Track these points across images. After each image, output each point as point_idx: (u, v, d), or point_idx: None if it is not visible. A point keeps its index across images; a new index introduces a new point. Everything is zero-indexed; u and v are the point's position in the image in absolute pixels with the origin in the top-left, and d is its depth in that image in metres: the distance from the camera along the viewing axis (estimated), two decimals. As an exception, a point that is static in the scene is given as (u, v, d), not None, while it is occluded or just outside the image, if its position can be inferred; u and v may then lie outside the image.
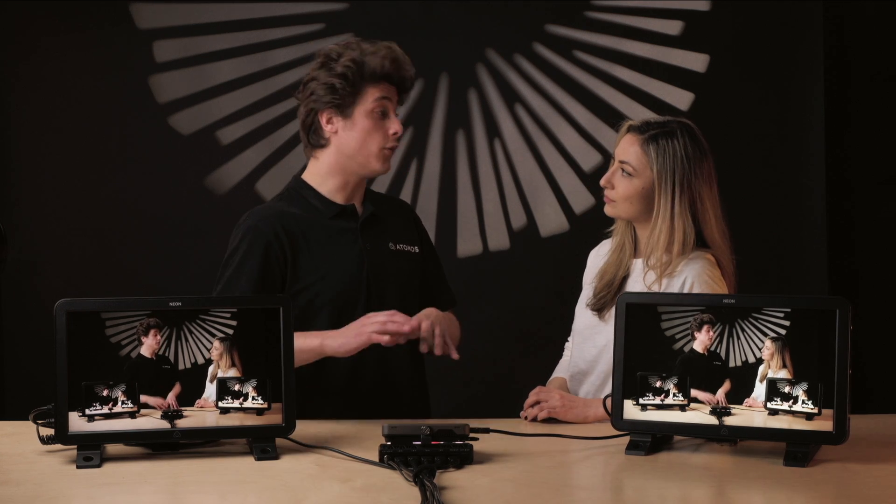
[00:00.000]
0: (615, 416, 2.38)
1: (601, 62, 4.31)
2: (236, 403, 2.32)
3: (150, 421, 2.28)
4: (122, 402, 2.27)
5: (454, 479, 2.11)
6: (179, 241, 4.24)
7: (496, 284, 4.32)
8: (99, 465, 2.21)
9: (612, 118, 4.23)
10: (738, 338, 2.31)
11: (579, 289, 2.95)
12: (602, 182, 2.76)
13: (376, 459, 2.22)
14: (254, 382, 2.32)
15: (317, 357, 2.68)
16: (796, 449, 2.23)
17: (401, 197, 4.25)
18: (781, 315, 2.28)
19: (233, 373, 2.32)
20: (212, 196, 4.26)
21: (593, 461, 2.31)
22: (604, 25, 4.30)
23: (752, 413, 2.29)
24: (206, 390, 2.31)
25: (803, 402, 2.25)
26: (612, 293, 2.76)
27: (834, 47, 4.24)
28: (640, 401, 2.36)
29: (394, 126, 2.80)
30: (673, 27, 4.30)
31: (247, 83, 4.28)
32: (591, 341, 2.82)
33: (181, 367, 2.30)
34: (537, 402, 2.72)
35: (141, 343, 2.28)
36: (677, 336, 2.35)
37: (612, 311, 2.58)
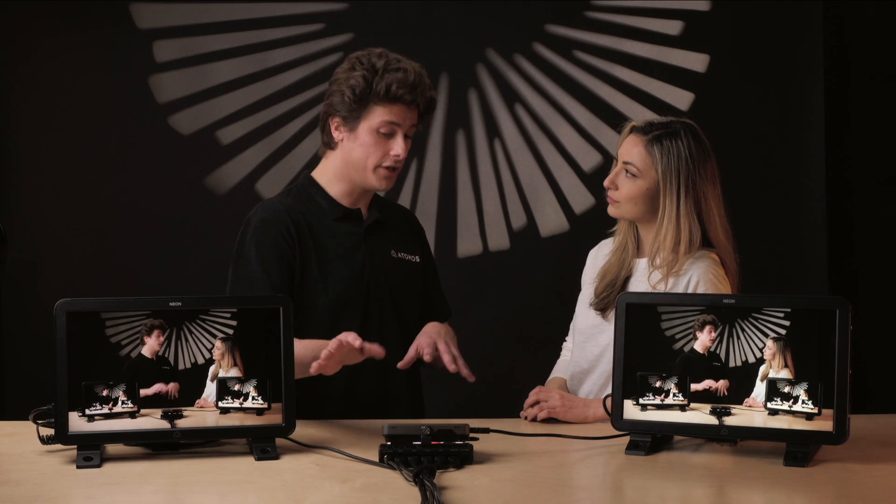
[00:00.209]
0: (615, 416, 2.38)
1: (601, 62, 4.31)
2: (236, 403, 2.32)
3: (150, 421, 2.28)
4: (122, 402, 2.27)
5: (454, 479, 2.11)
6: (179, 241, 4.24)
7: (496, 284, 4.32)
8: (99, 465, 2.21)
9: (612, 118, 4.24)
10: (738, 338, 2.31)
11: (579, 288, 2.95)
12: (606, 183, 2.76)
13: (376, 459, 2.22)
14: (254, 382, 2.32)
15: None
16: (796, 449, 2.23)
17: (401, 197, 4.26)
18: (781, 315, 2.28)
19: (234, 373, 2.32)
20: (212, 196, 4.26)
21: (593, 461, 2.31)
22: (604, 25, 4.30)
23: (752, 413, 2.29)
24: (206, 390, 2.31)
25: (803, 401, 2.25)
26: (615, 293, 2.76)
27: (834, 47, 4.24)
28: (640, 401, 2.36)
29: (396, 148, 2.76)
30: (673, 27, 4.30)
31: (247, 83, 4.28)
32: (593, 340, 2.82)
33: (181, 367, 2.30)
34: (537, 402, 2.72)
35: (143, 343, 2.28)
36: (677, 336, 2.35)
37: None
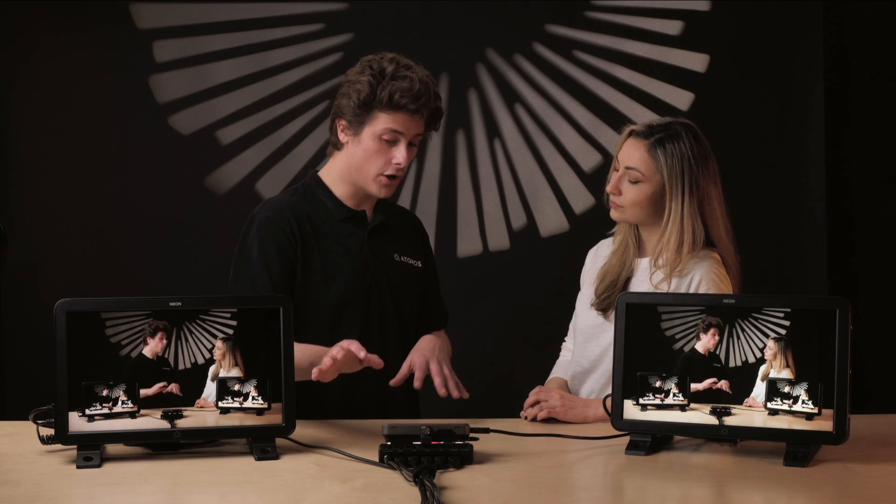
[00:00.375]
0: (615, 416, 2.38)
1: (601, 62, 4.31)
2: (236, 403, 2.32)
3: (150, 421, 2.28)
4: (123, 402, 2.27)
5: (454, 479, 2.11)
6: (179, 241, 4.24)
7: (496, 284, 4.32)
8: (99, 465, 2.21)
9: (612, 118, 4.24)
10: (738, 338, 2.31)
11: (578, 288, 2.95)
12: (609, 189, 2.75)
13: (376, 459, 2.22)
14: (254, 382, 2.32)
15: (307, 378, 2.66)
16: (796, 449, 2.23)
17: (401, 197, 4.26)
18: (781, 315, 2.28)
19: (235, 372, 2.32)
20: (212, 196, 4.26)
21: (593, 461, 2.31)
22: (604, 25, 4.30)
23: (752, 413, 2.29)
24: (206, 390, 2.31)
25: (803, 401, 2.25)
26: (616, 293, 2.75)
27: (834, 47, 4.24)
28: (640, 401, 2.36)
29: (398, 156, 2.75)
30: (673, 27, 4.30)
31: (247, 83, 4.28)
32: (595, 340, 2.82)
33: (181, 367, 2.30)
34: (537, 402, 2.72)
35: (146, 343, 2.28)
36: (677, 336, 2.35)
37: (617, 310, 2.59)
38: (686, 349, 2.35)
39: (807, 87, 4.26)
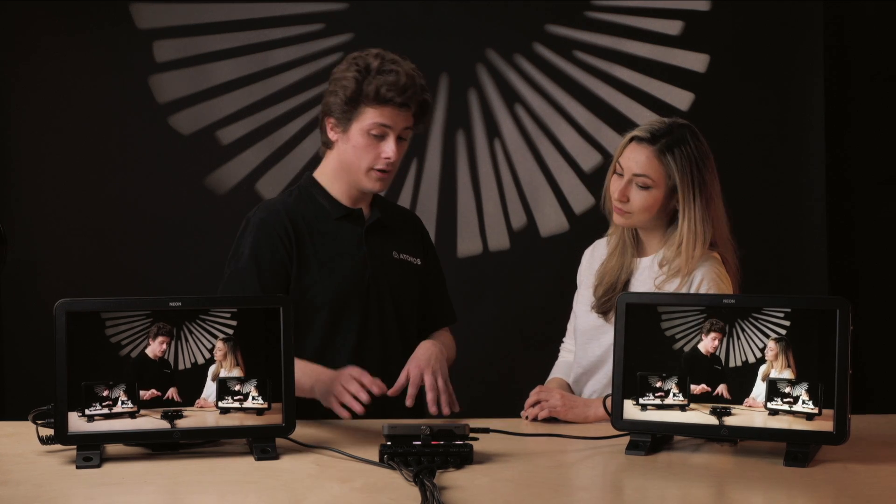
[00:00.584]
0: (615, 416, 2.38)
1: (601, 62, 4.31)
2: (236, 403, 2.32)
3: (150, 421, 2.28)
4: (122, 402, 2.27)
5: (454, 479, 2.11)
6: (179, 241, 4.24)
7: (496, 284, 4.32)
8: (99, 466, 2.21)
9: (612, 118, 4.25)
10: (739, 338, 2.31)
11: (576, 287, 2.95)
12: (618, 196, 2.74)
13: (376, 459, 2.22)
14: (254, 382, 2.32)
15: (308, 396, 2.67)
16: (796, 449, 2.23)
17: (401, 197, 4.26)
18: (781, 315, 2.28)
19: (237, 373, 2.32)
20: (212, 196, 4.26)
21: (593, 461, 2.31)
22: (604, 25, 4.30)
23: (752, 413, 2.29)
24: (206, 390, 2.31)
25: (803, 402, 2.25)
26: (616, 295, 2.75)
27: (834, 47, 4.24)
28: (640, 401, 2.36)
29: (387, 150, 2.75)
30: (673, 27, 4.30)
31: (247, 83, 4.28)
32: (595, 342, 2.82)
33: (181, 367, 2.30)
34: (538, 402, 2.72)
35: (148, 343, 2.28)
36: (677, 336, 2.35)
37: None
38: (687, 349, 2.35)
39: (807, 87, 4.26)
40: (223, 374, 2.31)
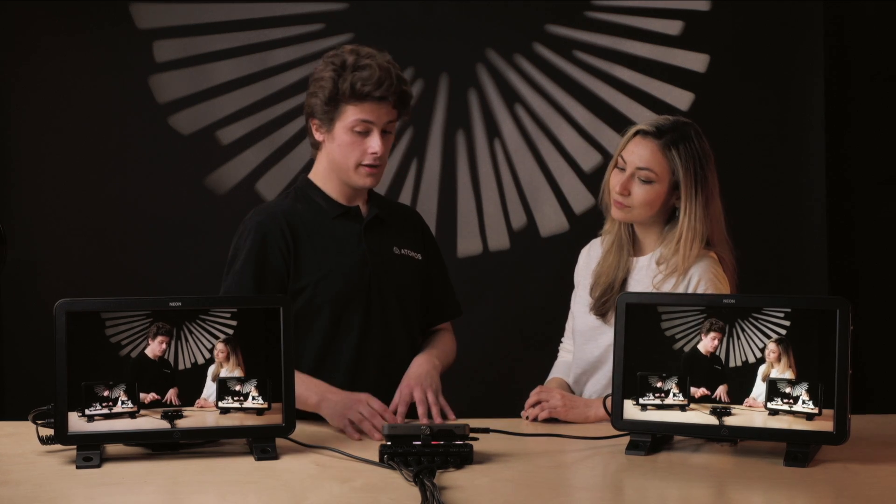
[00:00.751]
0: (615, 416, 2.38)
1: (601, 62, 4.31)
2: (236, 403, 2.32)
3: (150, 421, 2.28)
4: (122, 402, 2.27)
5: (454, 479, 2.11)
6: (179, 241, 4.23)
7: (496, 284, 4.32)
8: (98, 466, 2.21)
9: (612, 118, 4.24)
10: (739, 338, 2.31)
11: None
12: (619, 189, 2.73)
13: (376, 459, 2.22)
14: (254, 382, 2.32)
15: (311, 410, 2.67)
16: (796, 449, 2.23)
17: (401, 197, 4.26)
18: (781, 315, 2.28)
19: (237, 373, 2.32)
20: (212, 196, 4.26)
21: (593, 461, 2.31)
22: (604, 25, 4.30)
23: (752, 413, 2.29)
24: (206, 390, 2.31)
25: (804, 402, 2.25)
26: (614, 296, 2.75)
27: (834, 47, 4.24)
28: (640, 401, 2.36)
29: (373, 145, 2.75)
30: (673, 27, 4.29)
31: (247, 83, 4.28)
32: (594, 342, 2.82)
33: (181, 367, 2.30)
34: (538, 402, 2.72)
35: (147, 343, 2.28)
36: (677, 336, 2.35)
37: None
38: (686, 349, 2.34)
39: (807, 87, 4.25)
40: (223, 374, 2.31)
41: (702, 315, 2.34)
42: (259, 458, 2.27)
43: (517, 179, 4.33)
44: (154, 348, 2.28)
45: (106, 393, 2.26)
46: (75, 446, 2.24)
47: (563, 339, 3.01)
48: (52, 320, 2.23)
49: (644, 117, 4.13)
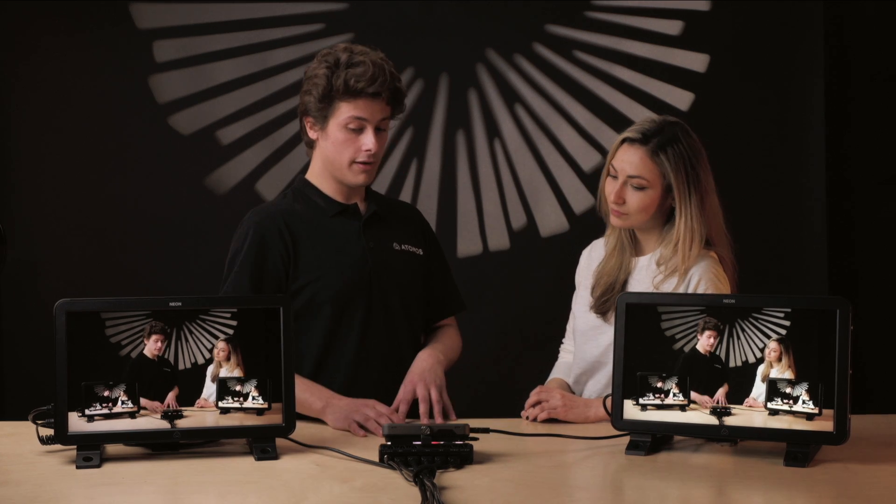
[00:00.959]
0: (615, 416, 2.38)
1: (601, 62, 4.31)
2: (236, 403, 2.32)
3: (150, 421, 2.28)
4: (123, 402, 2.27)
5: (454, 479, 2.11)
6: (179, 241, 4.24)
7: (496, 284, 4.32)
8: (98, 466, 2.21)
9: (612, 118, 4.24)
10: (738, 338, 2.31)
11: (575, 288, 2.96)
12: (613, 199, 2.74)
13: (376, 459, 2.22)
14: (254, 382, 2.32)
15: (315, 416, 2.68)
16: (797, 449, 2.23)
17: (401, 196, 4.26)
18: (781, 315, 2.28)
19: (237, 373, 2.32)
20: (212, 196, 4.26)
21: (593, 461, 2.31)
22: (604, 25, 4.30)
23: (752, 413, 2.29)
24: (206, 390, 2.31)
25: (804, 402, 2.25)
26: (615, 296, 2.75)
27: (834, 47, 4.24)
28: (640, 401, 2.36)
29: (367, 142, 2.75)
30: (673, 27, 4.30)
31: (247, 83, 4.28)
32: (593, 342, 2.82)
33: (181, 367, 2.30)
34: (538, 402, 2.72)
35: (144, 344, 2.28)
36: (677, 336, 2.35)
37: (615, 311, 2.59)
38: (686, 349, 2.34)
39: (807, 87, 4.26)
40: (223, 374, 2.31)
41: (701, 315, 2.34)
42: (259, 458, 2.27)
43: (517, 179, 4.33)
44: (151, 347, 2.28)
45: (106, 393, 2.26)
46: (75, 446, 2.24)
47: (563, 340, 3.01)
48: (52, 320, 2.23)
49: (644, 117, 4.13)
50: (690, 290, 2.69)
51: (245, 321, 2.32)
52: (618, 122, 4.22)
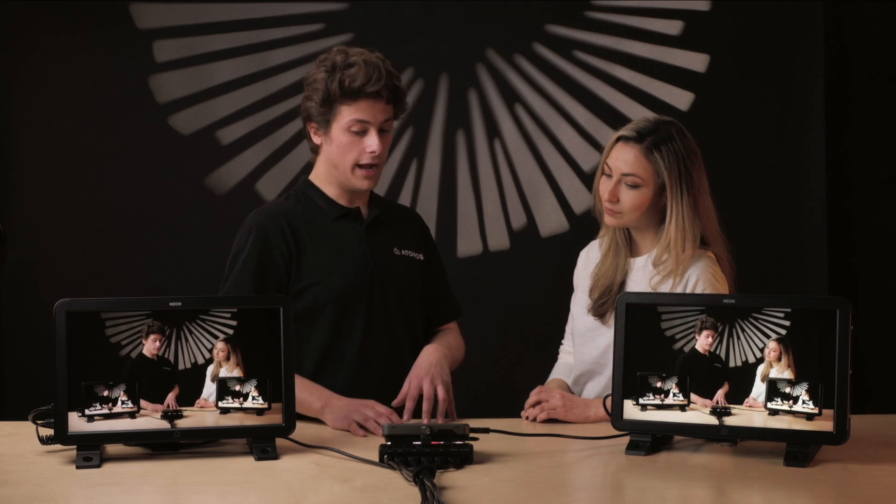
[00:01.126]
0: (615, 416, 2.38)
1: (601, 62, 4.31)
2: (236, 403, 2.32)
3: (150, 421, 2.28)
4: (122, 402, 2.27)
5: (454, 479, 2.11)
6: (179, 241, 4.24)
7: (496, 284, 4.32)
8: (98, 466, 2.21)
9: (612, 118, 4.24)
10: (738, 338, 2.31)
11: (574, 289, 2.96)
12: (607, 197, 2.74)
13: (376, 459, 2.22)
14: (254, 382, 2.32)
15: (314, 415, 2.68)
16: (796, 449, 2.23)
17: (401, 196, 4.26)
18: (781, 315, 2.28)
19: (237, 373, 2.32)
20: (212, 196, 4.26)
21: (593, 461, 2.31)
22: (604, 25, 4.30)
23: (752, 413, 2.29)
24: (206, 390, 2.31)
25: (804, 402, 2.25)
26: (612, 297, 2.76)
27: (834, 47, 4.24)
28: (640, 401, 2.36)
29: (371, 144, 2.75)
30: (673, 27, 4.30)
31: (247, 83, 4.28)
32: (591, 343, 2.82)
33: (181, 367, 2.30)
34: (538, 402, 2.72)
35: (142, 344, 2.28)
36: (677, 336, 2.35)
37: (614, 312, 2.59)
38: (686, 349, 2.35)
39: (807, 87, 4.26)
40: (223, 374, 2.31)
41: (701, 315, 2.34)
42: (259, 458, 2.27)
43: (517, 179, 4.33)
44: (149, 347, 2.28)
45: (106, 393, 2.26)
46: (75, 446, 2.24)
47: (563, 342, 3.01)
48: (52, 320, 2.23)
49: (630, 124, 4.13)
50: (689, 291, 2.69)
51: (245, 321, 2.32)
52: (618, 122, 4.21)
